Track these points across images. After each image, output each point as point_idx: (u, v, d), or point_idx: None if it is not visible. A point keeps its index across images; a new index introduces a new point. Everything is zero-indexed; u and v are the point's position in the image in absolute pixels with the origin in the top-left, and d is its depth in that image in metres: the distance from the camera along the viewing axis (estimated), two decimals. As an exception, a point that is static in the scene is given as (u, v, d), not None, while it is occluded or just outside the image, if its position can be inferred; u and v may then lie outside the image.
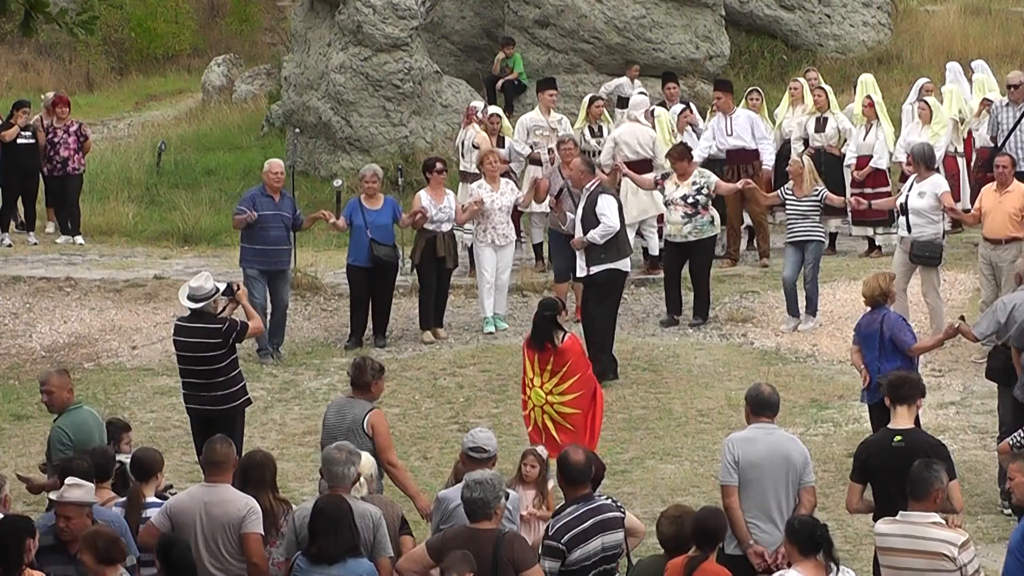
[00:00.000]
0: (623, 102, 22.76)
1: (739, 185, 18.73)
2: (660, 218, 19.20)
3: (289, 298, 17.86)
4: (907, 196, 17.06)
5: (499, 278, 18.16)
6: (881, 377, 13.07)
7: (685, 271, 18.29)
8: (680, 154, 18.10)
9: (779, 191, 18.40)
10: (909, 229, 16.96)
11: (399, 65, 24.67)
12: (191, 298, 13.27)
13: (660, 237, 19.28)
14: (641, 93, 21.09)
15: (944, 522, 9.13)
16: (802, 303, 18.01)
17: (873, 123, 20.18)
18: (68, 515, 9.25)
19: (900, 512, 9.15)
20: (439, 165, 18.13)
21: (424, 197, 17.85)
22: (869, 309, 13.56)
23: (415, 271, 18.10)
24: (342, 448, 9.59)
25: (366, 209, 17.59)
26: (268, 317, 17.21)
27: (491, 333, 18.03)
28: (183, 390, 13.52)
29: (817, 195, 17.84)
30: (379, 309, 17.89)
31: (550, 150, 20.09)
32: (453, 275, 18.31)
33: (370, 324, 17.97)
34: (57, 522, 9.30)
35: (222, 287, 13.56)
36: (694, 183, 17.87)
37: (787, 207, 18.10)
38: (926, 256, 16.93)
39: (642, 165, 19.52)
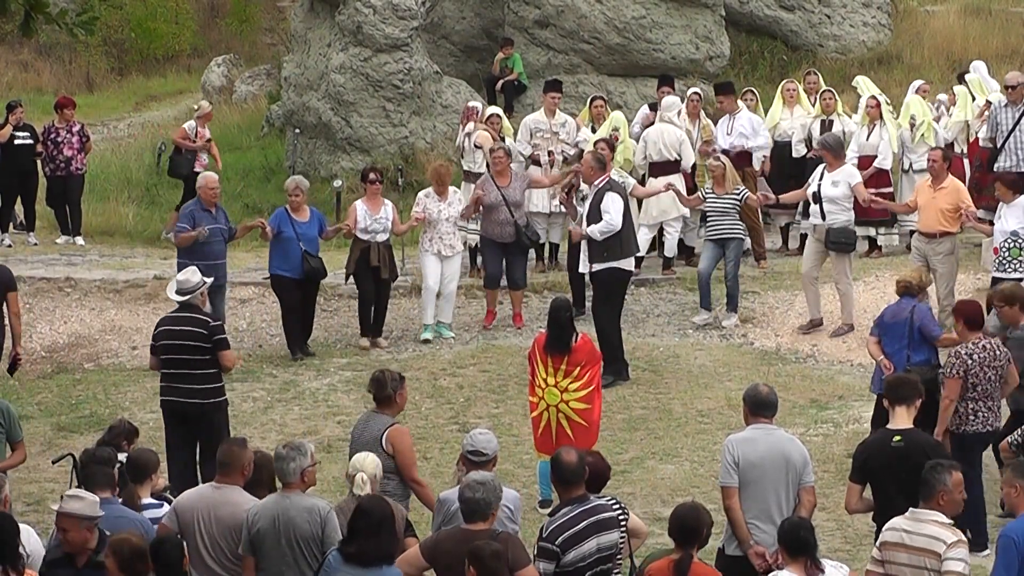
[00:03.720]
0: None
1: (661, 188, 18.86)
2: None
3: (226, 311, 17.75)
4: (819, 185, 17.49)
5: (446, 288, 17.99)
6: (910, 367, 13.15)
7: None
8: (602, 148, 18.07)
9: (699, 191, 18.52)
10: (823, 217, 17.40)
11: (399, 65, 24.66)
12: (178, 291, 13.51)
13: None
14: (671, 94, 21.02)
15: (951, 522, 9.15)
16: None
17: (876, 123, 20.16)
18: (64, 527, 9.13)
19: (910, 510, 9.17)
20: (372, 175, 17.99)
21: (360, 207, 17.72)
22: (897, 299, 13.72)
23: (352, 280, 17.89)
24: (288, 444, 9.65)
25: (296, 221, 17.38)
26: None
27: (427, 341, 17.86)
28: (163, 383, 13.51)
29: (738, 194, 17.90)
30: (304, 320, 17.73)
31: (550, 152, 20.09)
32: (455, 278, 18.21)
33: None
34: (58, 532, 9.24)
35: (209, 280, 13.86)
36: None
37: (707, 205, 18.17)
38: (842, 243, 17.43)
39: (667, 166, 19.52)
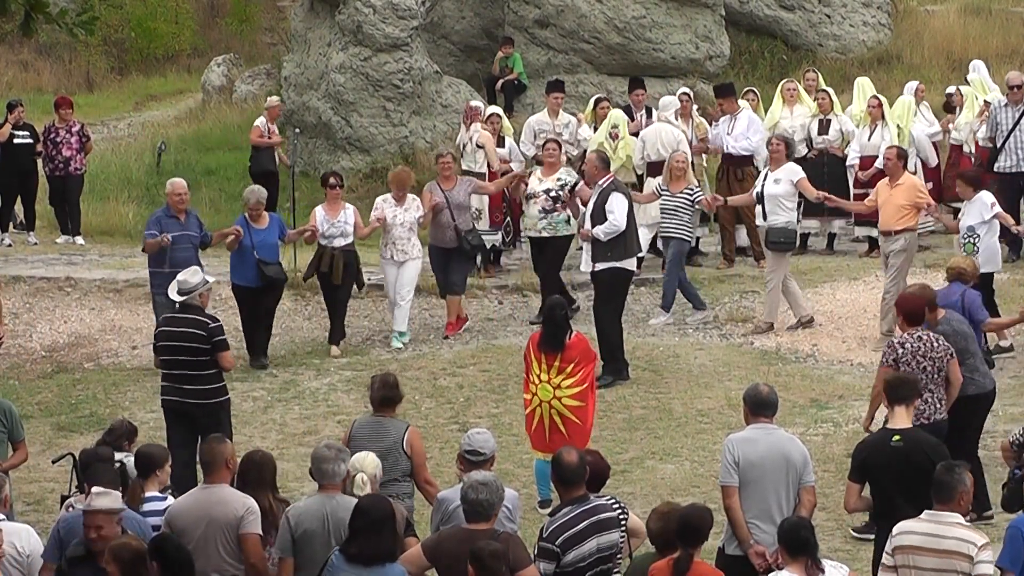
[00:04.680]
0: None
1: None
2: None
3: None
4: (763, 185, 17.60)
5: (399, 294, 17.80)
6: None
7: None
8: (553, 149, 18.31)
9: (655, 186, 18.53)
10: (764, 217, 17.53)
11: (399, 65, 24.67)
12: (178, 292, 13.57)
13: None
14: (670, 94, 21.03)
15: (969, 524, 9.15)
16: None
17: (878, 123, 20.13)
18: (99, 524, 9.11)
19: (926, 512, 9.12)
20: (332, 180, 17.95)
21: (319, 213, 17.65)
22: (947, 285, 13.81)
23: (307, 281, 17.80)
24: (331, 446, 9.61)
25: (253, 229, 17.15)
26: None
27: (399, 348, 17.77)
28: (165, 382, 13.52)
29: (691, 194, 17.88)
30: (261, 328, 17.45)
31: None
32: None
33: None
34: (87, 532, 9.18)
35: (212, 280, 13.94)
36: (559, 179, 17.94)
37: (661, 202, 18.15)
38: (780, 242, 17.58)
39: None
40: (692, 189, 18.05)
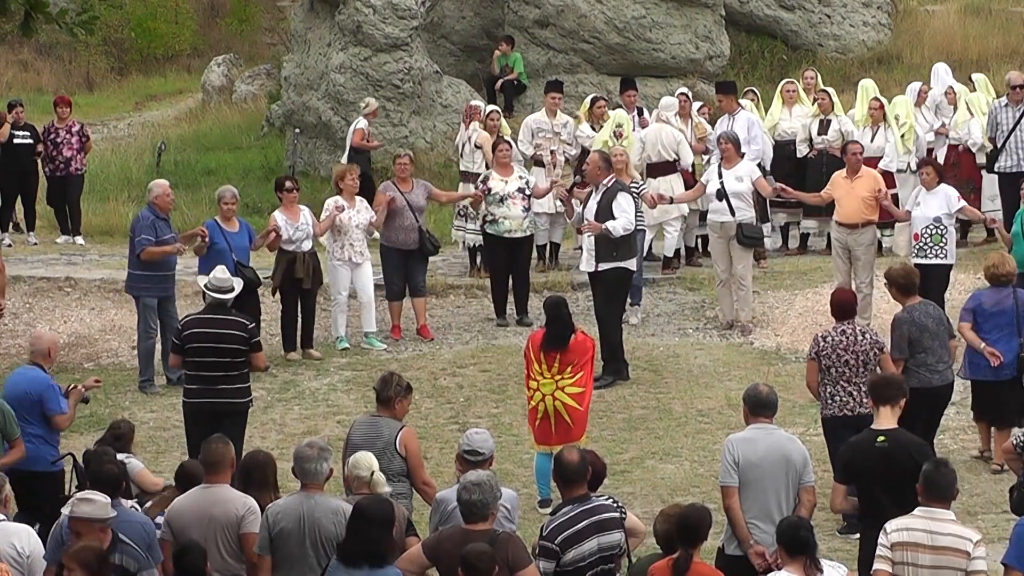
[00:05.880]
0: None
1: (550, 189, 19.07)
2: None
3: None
4: (722, 182, 17.58)
5: (363, 295, 17.73)
6: None
7: None
8: (506, 149, 18.55)
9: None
10: (733, 213, 17.54)
11: (399, 65, 24.68)
12: (217, 290, 13.38)
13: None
14: (669, 94, 21.05)
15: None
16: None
17: (880, 125, 20.11)
18: (78, 530, 9.01)
19: (920, 508, 9.11)
20: (289, 184, 17.73)
21: (279, 217, 17.40)
22: (990, 287, 13.84)
23: (277, 293, 17.53)
24: (313, 445, 9.60)
25: (227, 232, 16.83)
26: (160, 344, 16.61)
27: (345, 349, 17.68)
28: (193, 384, 13.31)
29: (637, 188, 17.85)
30: None
31: (552, 152, 20.08)
32: (454, 275, 18.19)
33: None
34: (71, 538, 9.12)
35: (241, 282, 13.94)
36: (521, 176, 18.37)
37: None
38: (754, 239, 17.82)
39: (665, 167, 19.50)
40: (636, 183, 18.04)
